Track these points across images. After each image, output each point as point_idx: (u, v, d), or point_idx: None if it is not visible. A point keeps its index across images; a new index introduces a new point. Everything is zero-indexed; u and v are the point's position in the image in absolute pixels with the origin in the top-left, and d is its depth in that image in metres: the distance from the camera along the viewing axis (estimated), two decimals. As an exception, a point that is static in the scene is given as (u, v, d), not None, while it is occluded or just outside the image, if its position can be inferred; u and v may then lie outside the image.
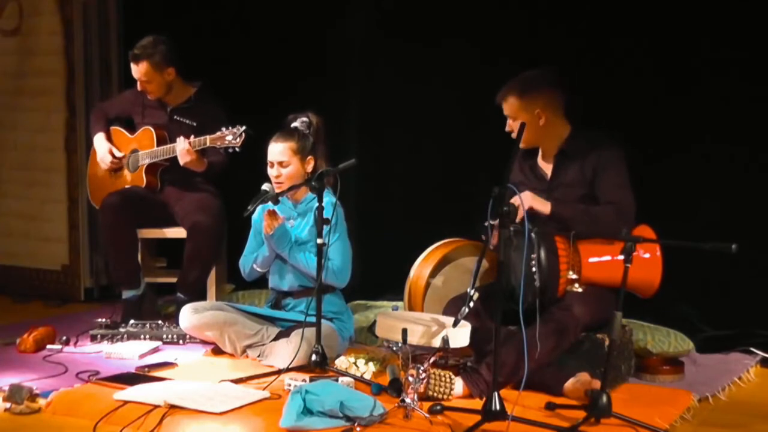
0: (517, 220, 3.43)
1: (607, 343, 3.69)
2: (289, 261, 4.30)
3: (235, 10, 5.77)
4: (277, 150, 4.34)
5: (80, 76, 5.89)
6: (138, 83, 5.09)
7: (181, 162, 4.90)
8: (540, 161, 4.05)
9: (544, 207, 3.79)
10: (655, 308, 4.33)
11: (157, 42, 5.02)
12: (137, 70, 5.03)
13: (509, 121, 3.96)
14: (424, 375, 3.40)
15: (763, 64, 4.47)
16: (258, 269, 4.44)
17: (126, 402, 3.54)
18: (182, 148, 4.86)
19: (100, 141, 5.25)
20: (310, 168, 4.35)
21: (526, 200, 3.72)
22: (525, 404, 3.47)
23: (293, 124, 4.41)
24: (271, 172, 4.35)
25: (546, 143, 4.00)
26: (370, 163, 5.07)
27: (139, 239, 5.09)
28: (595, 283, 3.76)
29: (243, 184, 4.57)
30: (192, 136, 4.88)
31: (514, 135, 3.90)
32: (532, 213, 3.72)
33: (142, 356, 4.37)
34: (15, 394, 3.61)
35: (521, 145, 3.86)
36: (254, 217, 4.45)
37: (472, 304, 3.33)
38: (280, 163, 4.32)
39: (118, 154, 5.18)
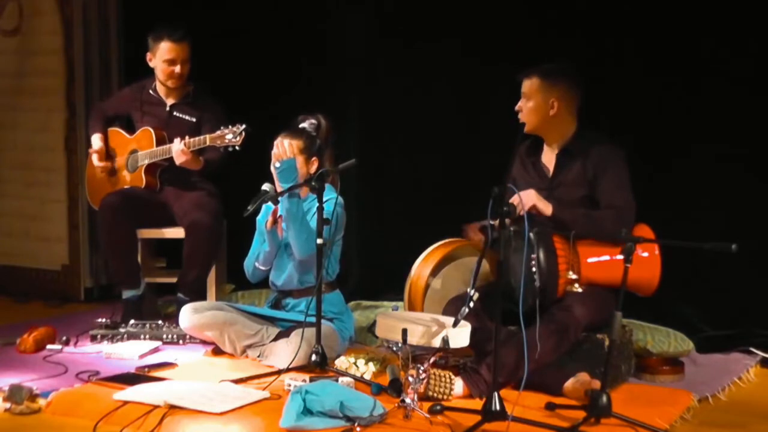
0: (521, 212, 3.43)
1: (607, 343, 3.69)
2: (290, 215, 4.17)
3: (234, 10, 5.76)
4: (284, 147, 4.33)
5: (80, 76, 5.88)
6: (165, 70, 5.02)
7: (177, 162, 4.91)
8: (543, 158, 4.05)
9: (546, 208, 3.79)
10: (655, 308, 4.34)
11: (178, 24, 5.04)
12: (180, 50, 5.01)
13: (522, 101, 3.97)
14: (424, 375, 3.40)
15: (764, 64, 4.48)
16: (261, 267, 4.43)
17: (126, 402, 3.54)
18: (177, 149, 4.86)
19: (96, 143, 5.26)
20: (313, 169, 4.31)
21: (531, 198, 3.73)
22: (525, 404, 3.47)
23: (302, 125, 4.39)
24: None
25: (550, 134, 4.01)
26: (370, 163, 5.07)
27: (139, 239, 5.10)
28: (595, 283, 3.76)
29: (243, 183, 4.57)
30: (187, 136, 4.88)
31: (520, 117, 3.94)
32: (532, 213, 3.72)
33: (142, 356, 4.37)
34: (15, 394, 3.60)
35: (526, 129, 3.90)
36: (258, 218, 4.45)
37: (472, 304, 3.34)
38: None
39: (99, 164, 5.20)
